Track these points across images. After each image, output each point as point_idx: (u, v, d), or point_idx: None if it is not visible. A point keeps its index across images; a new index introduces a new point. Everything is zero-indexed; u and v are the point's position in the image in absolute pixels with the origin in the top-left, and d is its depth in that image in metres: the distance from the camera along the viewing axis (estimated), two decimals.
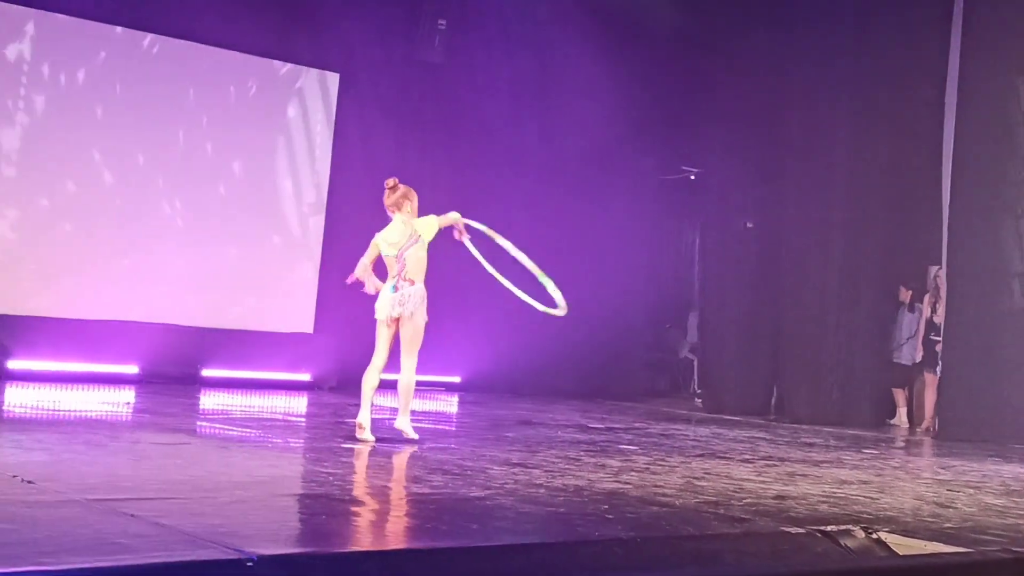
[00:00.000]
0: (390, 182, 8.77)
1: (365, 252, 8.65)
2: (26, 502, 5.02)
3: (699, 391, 16.79)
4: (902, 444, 12.03)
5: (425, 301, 8.62)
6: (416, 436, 8.65)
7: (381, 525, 5.15)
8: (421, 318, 8.58)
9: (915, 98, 13.91)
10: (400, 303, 8.47)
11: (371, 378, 8.58)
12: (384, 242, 8.58)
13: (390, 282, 8.54)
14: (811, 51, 14.19)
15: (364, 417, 8.44)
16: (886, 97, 13.83)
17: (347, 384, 13.96)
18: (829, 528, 5.69)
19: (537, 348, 15.26)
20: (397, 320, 8.52)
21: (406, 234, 8.57)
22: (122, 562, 4.02)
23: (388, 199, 8.70)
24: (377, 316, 8.55)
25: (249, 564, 4.08)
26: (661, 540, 5.31)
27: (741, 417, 13.90)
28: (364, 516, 5.33)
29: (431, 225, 8.65)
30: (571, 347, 15.63)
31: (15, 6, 12.48)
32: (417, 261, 8.56)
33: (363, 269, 8.61)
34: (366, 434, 8.38)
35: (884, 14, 13.69)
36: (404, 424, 8.66)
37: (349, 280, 8.77)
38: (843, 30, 14.04)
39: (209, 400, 11.80)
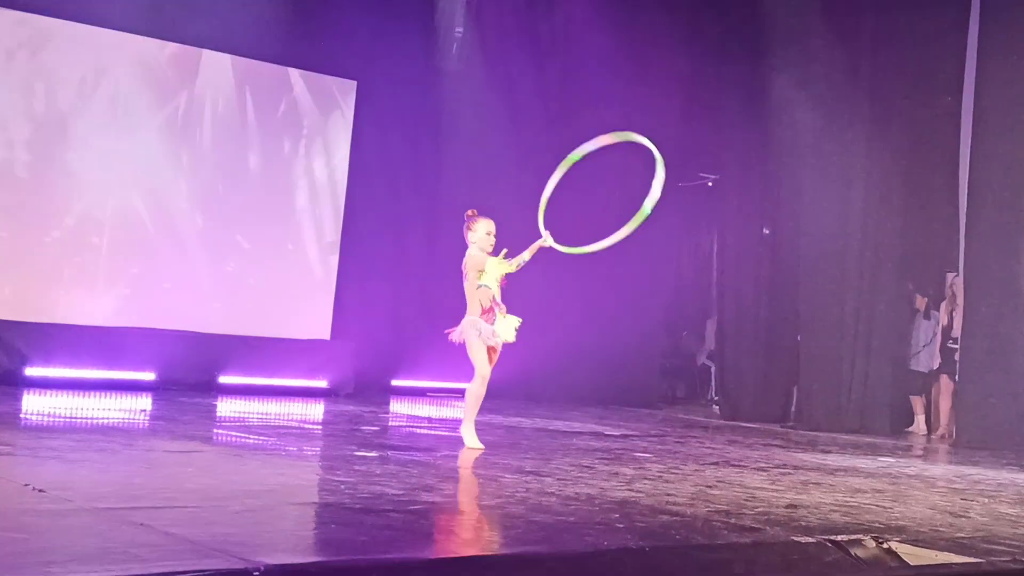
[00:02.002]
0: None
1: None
2: (36, 511, 5.04)
3: (716, 398, 16.76)
4: (918, 452, 11.99)
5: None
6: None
7: (390, 534, 5.16)
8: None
9: (932, 105, 13.89)
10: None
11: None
12: (499, 272, 9.33)
13: (501, 309, 9.22)
14: (829, 58, 14.18)
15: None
16: (904, 104, 13.82)
17: (364, 391, 14.02)
18: (839, 538, 5.67)
19: (554, 354, 15.26)
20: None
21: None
22: (128, 572, 4.04)
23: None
24: (508, 340, 9.14)
25: (256, 574, 4.09)
26: (670, 550, 5.30)
27: (758, 424, 13.89)
28: (373, 525, 5.33)
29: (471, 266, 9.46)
30: (588, 353, 15.62)
31: (40, 16, 12.55)
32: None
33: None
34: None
35: (902, 22, 13.67)
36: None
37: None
38: (861, 37, 14.03)
39: (225, 407, 11.83)
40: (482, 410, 13.52)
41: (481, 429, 11.82)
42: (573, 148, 15.52)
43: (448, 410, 13.50)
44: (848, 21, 14.06)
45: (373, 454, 8.14)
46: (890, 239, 13.95)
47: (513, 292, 15.20)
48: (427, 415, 12.70)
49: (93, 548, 4.37)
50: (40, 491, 5.46)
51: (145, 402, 11.44)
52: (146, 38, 13.19)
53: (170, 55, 13.39)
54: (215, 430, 10.05)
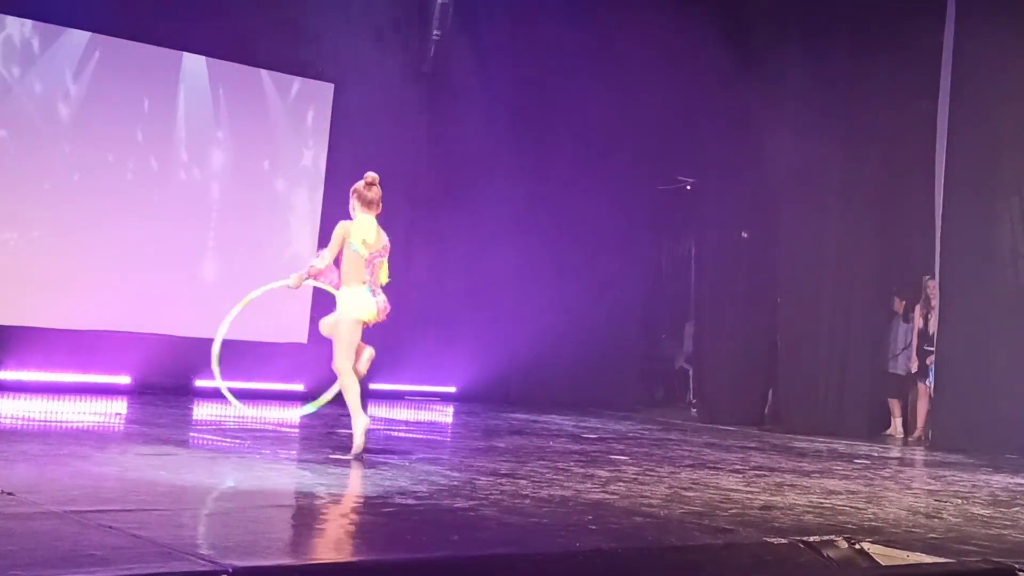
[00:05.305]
0: (373, 177, 8.37)
1: (330, 244, 8.27)
2: (3, 514, 5.00)
3: (694, 401, 16.77)
4: (894, 454, 12.02)
5: None
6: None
7: (361, 536, 5.15)
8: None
9: (908, 109, 13.93)
10: (383, 312, 8.28)
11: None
12: (359, 240, 8.17)
13: (365, 285, 8.22)
14: (806, 62, 14.22)
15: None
16: (880, 107, 13.85)
17: (342, 395, 13.94)
18: (812, 539, 5.68)
19: (533, 358, 15.25)
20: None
21: (381, 241, 8.29)
22: (95, 574, 4.02)
23: (373, 194, 8.29)
24: (363, 317, 8.23)
25: None
26: (642, 551, 5.30)
27: (736, 427, 13.88)
28: (345, 527, 5.32)
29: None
30: (567, 357, 15.62)
31: (14, 18, 12.48)
32: (380, 272, 8.28)
33: (325, 262, 8.29)
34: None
35: (879, 30, 13.72)
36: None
37: (311, 274, 8.40)
38: (839, 45, 14.07)
39: (201, 411, 11.79)
40: (459, 413, 13.68)
41: (458, 432, 11.87)
42: (550, 151, 15.66)
43: (426, 413, 13.49)
44: (826, 29, 14.10)
45: (348, 457, 8.11)
46: (867, 243, 13.98)
47: (494, 295, 15.26)
48: (404, 418, 12.67)
49: (60, 551, 4.34)
50: (9, 494, 5.43)
51: (120, 406, 11.39)
52: (122, 40, 13.11)
53: (147, 57, 13.31)
54: (190, 434, 10.03)
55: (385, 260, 8.35)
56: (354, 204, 8.40)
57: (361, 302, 8.23)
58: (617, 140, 15.78)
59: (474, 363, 15.11)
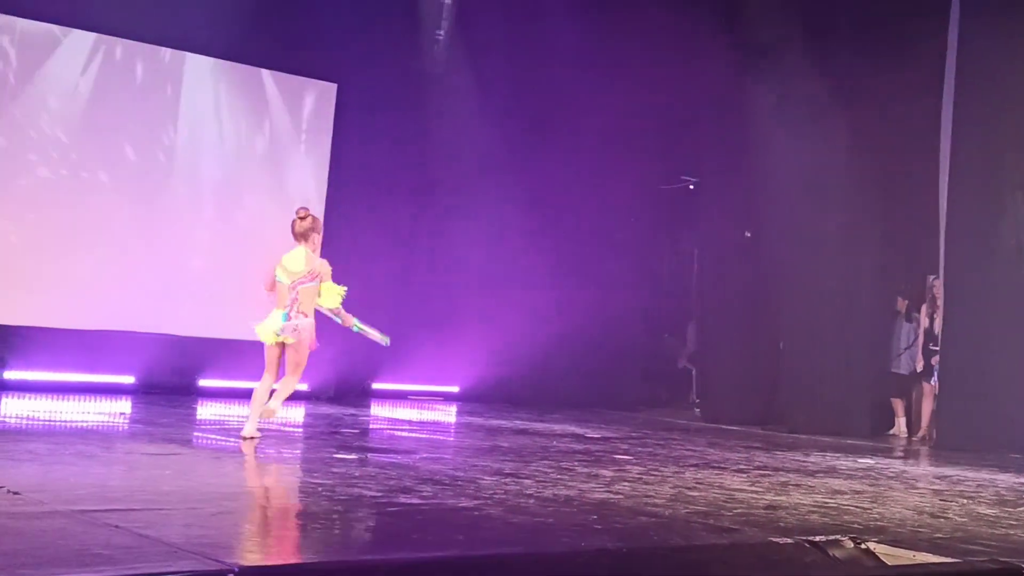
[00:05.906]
0: (302, 212, 8.90)
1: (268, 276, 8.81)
2: (10, 514, 5.01)
3: (697, 401, 16.75)
4: (899, 454, 12.00)
5: (314, 329, 8.72)
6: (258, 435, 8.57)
7: (365, 536, 5.15)
8: (307, 346, 8.68)
9: (912, 107, 13.90)
10: (292, 331, 8.54)
11: (261, 394, 8.66)
12: (282, 270, 8.70)
13: (281, 310, 8.63)
14: (809, 61, 14.19)
15: (251, 430, 8.51)
16: (883, 106, 13.83)
17: (345, 394, 13.98)
18: (817, 538, 5.68)
19: (536, 358, 15.25)
20: (283, 344, 8.62)
21: (306, 268, 8.69)
22: (102, 573, 4.02)
23: (298, 227, 8.82)
24: (265, 340, 8.68)
25: (230, 575, 4.08)
26: (648, 551, 5.30)
27: (739, 427, 13.87)
28: (349, 527, 5.32)
29: (328, 273, 8.80)
30: (570, 357, 15.61)
31: (23, 19, 12.48)
32: (311, 297, 8.68)
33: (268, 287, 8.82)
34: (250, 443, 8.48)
35: (881, 24, 13.70)
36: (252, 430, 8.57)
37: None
38: (841, 43, 14.05)
39: (205, 410, 11.80)
40: (463, 413, 13.67)
41: (461, 431, 11.86)
42: (554, 151, 15.66)
43: (430, 413, 13.49)
44: (828, 28, 14.08)
45: (352, 456, 8.12)
46: (870, 242, 13.96)
47: (497, 294, 15.25)
48: (408, 418, 12.67)
49: (67, 551, 4.35)
50: (15, 493, 5.43)
51: (125, 405, 11.40)
52: (124, 40, 13.11)
53: (149, 57, 13.31)
54: (194, 433, 10.02)
55: (316, 284, 8.76)
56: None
57: (266, 323, 8.70)
58: (619, 139, 15.76)
59: (477, 363, 15.12)
